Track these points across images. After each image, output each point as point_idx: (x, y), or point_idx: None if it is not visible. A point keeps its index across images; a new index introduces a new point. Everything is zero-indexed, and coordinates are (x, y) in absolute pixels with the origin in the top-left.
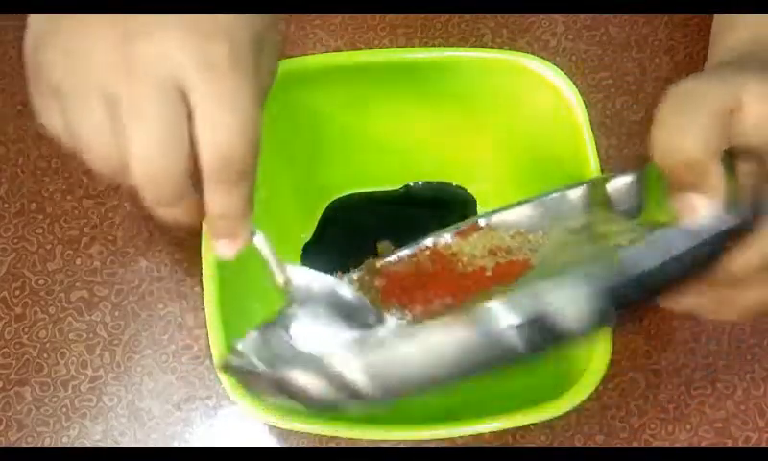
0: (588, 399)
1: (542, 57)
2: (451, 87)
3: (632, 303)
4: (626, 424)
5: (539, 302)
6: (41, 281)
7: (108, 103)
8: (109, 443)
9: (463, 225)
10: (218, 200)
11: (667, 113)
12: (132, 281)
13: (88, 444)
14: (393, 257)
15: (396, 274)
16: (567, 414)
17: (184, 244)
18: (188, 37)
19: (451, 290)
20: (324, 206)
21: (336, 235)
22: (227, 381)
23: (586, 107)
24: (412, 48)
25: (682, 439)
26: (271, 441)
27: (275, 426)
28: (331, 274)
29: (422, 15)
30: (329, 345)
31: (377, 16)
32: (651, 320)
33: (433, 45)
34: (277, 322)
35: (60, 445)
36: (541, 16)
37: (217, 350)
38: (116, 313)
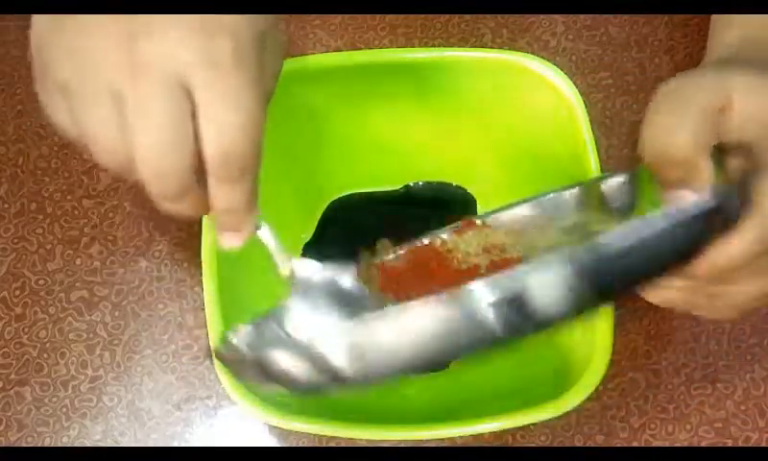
0: (588, 399)
1: (542, 57)
2: (451, 87)
3: (611, 287)
4: (626, 424)
5: (516, 281)
6: (41, 281)
7: (114, 100)
8: (109, 443)
9: (460, 222)
10: (221, 195)
11: (657, 111)
12: (131, 281)
13: (88, 444)
14: (389, 255)
15: (392, 269)
16: (567, 414)
17: (184, 244)
18: (191, 36)
19: (446, 287)
20: (324, 206)
21: (336, 235)
22: (227, 381)
23: (586, 107)
24: (412, 48)
25: (682, 439)
26: (271, 441)
27: (275, 426)
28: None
29: (422, 15)
30: (317, 330)
31: (377, 16)
32: (651, 320)
33: (433, 45)
34: (271, 315)
35: (59, 445)
36: (541, 16)
37: (215, 345)
38: (116, 313)
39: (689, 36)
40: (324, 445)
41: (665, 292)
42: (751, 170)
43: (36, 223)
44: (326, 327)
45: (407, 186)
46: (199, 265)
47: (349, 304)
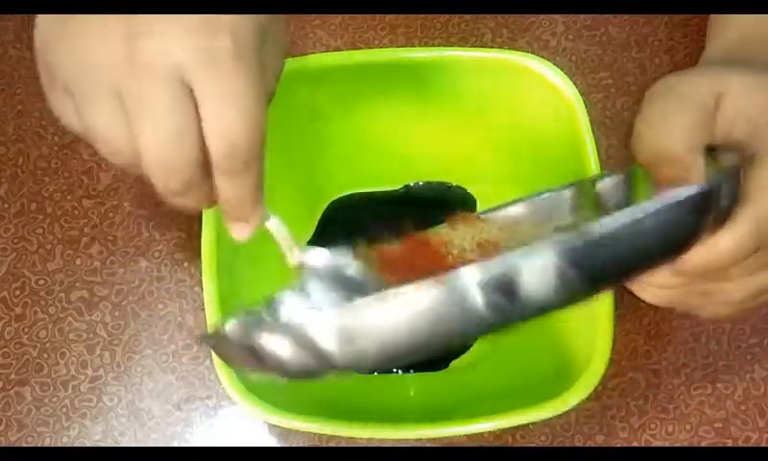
0: (588, 399)
1: (542, 57)
2: (451, 87)
3: (601, 274)
4: (626, 424)
5: (505, 266)
6: (41, 281)
7: (117, 99)
8: (109, 443)
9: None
10: (227, 188)
11: (651, 109)
12: (131, 281)
13: (88, 444)
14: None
15: (389, 254)
16: (567, 414)
17: (184, 244)
18: (190, 33)
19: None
20: (324, 206)
21: (336, 235)
22: (227, 381)
23: (586, 107)
24: (412, 48)
25: (682, 439)
26: (271, 441)
27: (275, 426)
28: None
29: (422, 15)
30: (308, 314)
31: (377, 16)
32: (651, 320)
33: (433, 45)
34: (264, 303)
35: (59, 445)
36: (541, 16)
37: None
38: (116, 313)
39: (689, 36)
40: (324, 445)
41: (660, 291)
42: (742, 164)
43: (36, 223)
44: (317, 310)
45: (407, 186)
46: (199, 265)
47: (355, 291)
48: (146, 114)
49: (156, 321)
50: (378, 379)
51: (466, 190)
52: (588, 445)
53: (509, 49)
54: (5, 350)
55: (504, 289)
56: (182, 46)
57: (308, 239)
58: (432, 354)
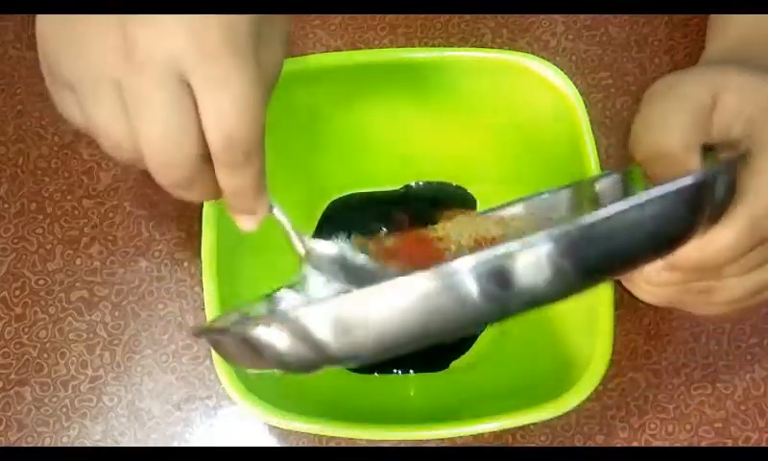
0: (588, 399)
1: (542, 57)
2: (451, 87)
3: (596, 264)
4: (626, 424)
5: (497, 252)
6: (41, 281)
7: (116, 92)
8: (109, 443)
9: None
10: (229, 180)
11: (649, 108)
12: (131, 281)
13: (88, 444)
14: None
15: (388, 252)
16: (567, 414)
17: (184, 244)
18: (183, 24)
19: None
20: (325, 205)
21: (336, 235)
22: (227, 381)
23: (586, 107)
24: (412, 48)
25: (682, 439)
26: (271, 441)
27: (275, 426)
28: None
29: (422, 15)
30: (304, 305)
31: (377, 16)
32: (651, 320)
33: (433, 45)
34: (263, 298)
35: (60, 445)
36: (541, 16)
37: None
38: (116, 313)
39: (689, 36)
40: (324, 445)
41: (658, 290)
42: (737, 159)
43: (36, 223)
44: (313, 301)
45: (407, 186)
46: (199, 265)
47: (359, 278)
48: (145, 109)
49: (156, 321)
50: (378, 380)
51: (466, 190)
52: (587, 445)
53: (509, 49)
54: (5, 350)
55: (498, 278)
56: (178, 40)
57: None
58: (430, 345)
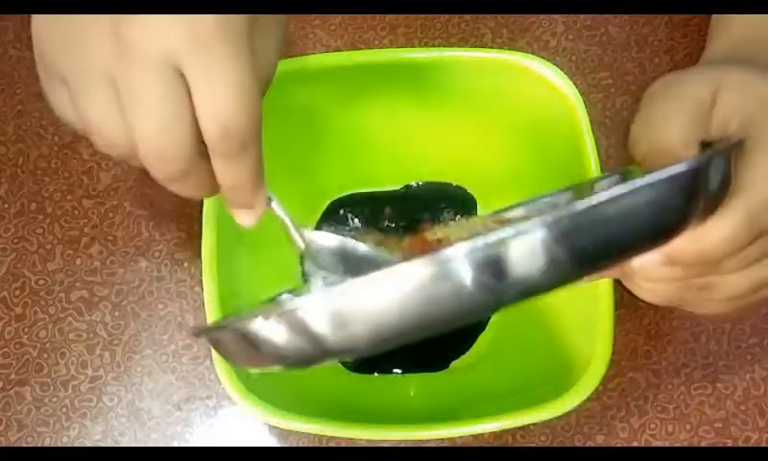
0: (588, 399)
1: (542, 57)
2: (451, 87)
3: (590, 251)
4: (626, 424)
5: (490, 239)
6: (41, 281)
7: (110, 86)
8: (109, 443)
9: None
10: (226, 172)
11: (648, 106)
12: (131, 281)
13: (88, 444)
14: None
15: (387, 246)
16: (567, 414)
17: (184, 244)
18: (177, 18)
19: None
20: (324, 206)
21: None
22: (227, 381)
23: (586, 107)
24: (412, 48)
25: (682, 439)
26: (271, 441)
27: (275, 426)
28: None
29: (422, 15)
30: (301, 297)
31: (377, 16)
32: (651, 320)
33: (433, 45)
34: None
35: (60, 445)
36: (541, 16)
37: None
38: (116, 313)
39: (689, 36)
40: (324, 445)
41: (657, 287)
42: (730, 148)
43: (36, 223)
44: (309, 294)
45: (407, 186)
46: (199, 265)
47: (361, 271)
48: (138, 102)
49: (156, 321)
50: (378, 380)
51: (466, 190)
52: (588, 445)
53: (509, 49)
54: (5, 350)
55: (492, 266)
56: (168, 26)
57: None
58: (429, 336)
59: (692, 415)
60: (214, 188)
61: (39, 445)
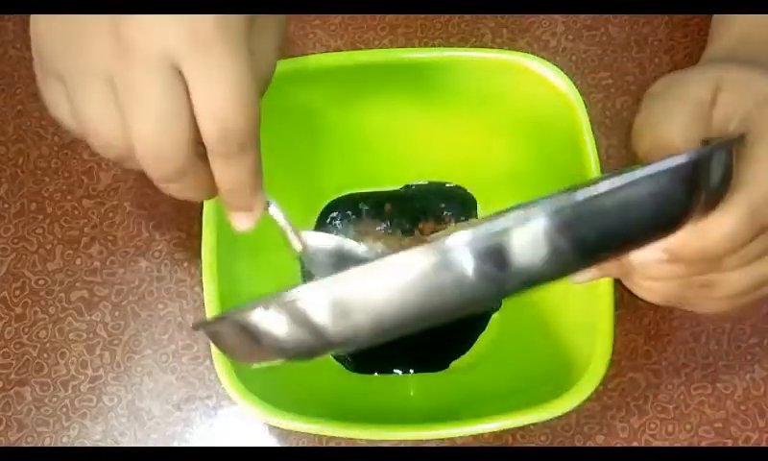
0: (588, 399)
1: (542, 57)
2: (451, 87)
3: (591, 240)
4: (626, 425)
5: (492, 226)
6: (41, 281)
7: (108, 85)
8: (109, 443)
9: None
10: (224, 173)
11: (649, 106)
12: (131, 281)
13: (88, 444)
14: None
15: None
16: (567, 414)
17: (184, 244)
18: (176, 17)
19: None
20: (324, 205)
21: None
22: (227, 381)
23: (586, 107)
24: (412, 48)
25: (682, 439)
26: (271, 441)
27: (275, 426)
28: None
29: (422, 15)
30: (301, 287)
31: (377, 16)
32: (651, 320)
33: (433, 45)
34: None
35: (60, 445)
36: (541, 16)
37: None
38: (116, 313)
39: (689, 36)
40: (324, 445)
41: (657, 286)
42: (731, 143)
43: (36, 223)
44: (309, 284)
45: (407, 186)
46: (199, 265)
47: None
48: (137, 100)
49: (156, 321)
50: (378, 380)
51: (466, 190)
52: (587, 445)
53: (509, 49)
54: (5, 350)
55: (494, 255)
56: (166, 25)
57: None
58: (431, 326)
59: (692, 415)
60: (211, 191)
61: (39, 445)
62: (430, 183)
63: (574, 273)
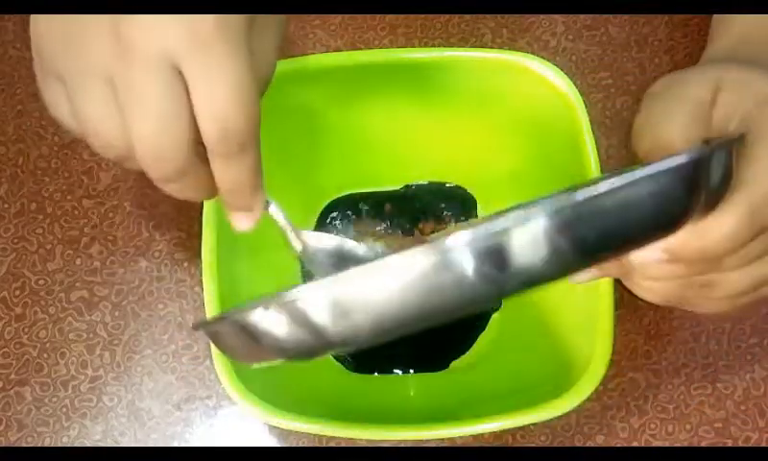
0: (588, 399)
1: (542, 57)
2: (451, 87)
3: (591, 240)
4: (626, 425)
5: (492, 226)
6: (41, 281)
7: (107, 85)
8: (109, 443)
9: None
10: (224, 172)
11: (651, 106)
12: (131, 281)
13: (88, 444)
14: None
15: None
16: (567, 414)
17: (184, 244)
18: (176, 16)
19: None
20: (324, 205)
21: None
22: (227, 381)
23: (586, 107)
24: (412, 48)
25: (682, 439)
26: (271, 441)
27: (275, 426)
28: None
29: (422, 15)
30: (301, 287)
31: (377, 16)
32: (651, 320)
33: (433, 45)
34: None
35: (60, 445)
36: (541, 16)
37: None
38: (116, 313)
39: (689, 36)
40: (324, 445)
41: (658, 286)
42: (732, 142)
43: (36, 223)
44: (309, 283)
45: (407, 186)
46: (199, 265)
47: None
48: (137, 100)
49: (156, 321)
50: (378, 380)
51: (466, 190)
52: (587, 445)
53: (509, 49)
54: (5, 350)
55: (493, 255)
56: (166, 25)
57: None
58: (431, 326)
59: (692, 415)
60: (211, 191)
61: (39, 445)
62: (430, 183)
63: (574, 273)
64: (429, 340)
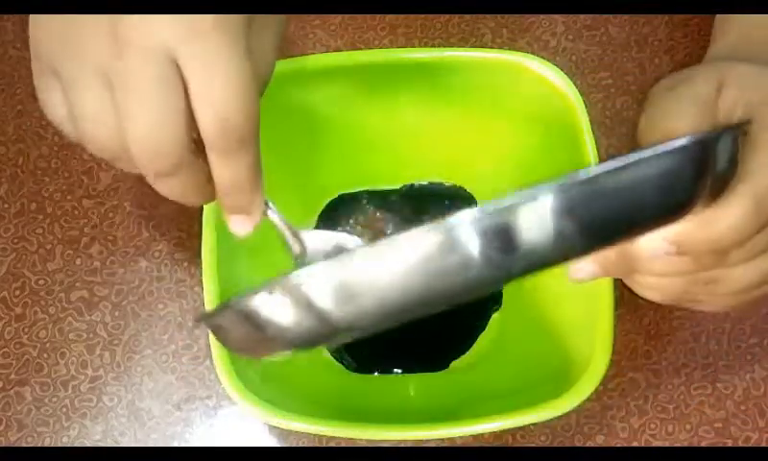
0: (588, 399)
1: (542, 57)
2: (451, 87)
3: (597, 223)
4: (626, 425)
5: (498, 206)
6: (41, 281)
7: (104, 82)
8: (109, 443)
9: None
10: (223, 170)
11: (654, 103)
12: (131, 281)
13: (88, 444)
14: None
15: None
16: (567, 414)
17: (184, 244)
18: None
19: None
20: (323, 205)
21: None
22: (227, 381)
23: (586, 107)
24: (412, 48)
25: (682, 439)
26: (271, 441)
27: (275, 426)
28: None
29: (422, 15)
30: (304, 271)
31: (377, 16)
32: (651, 320)
33: (433, 45)
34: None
35: (60, 445)
36: (541, 16)
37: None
38: (116, 313)
39: (689, 36)
40: (324, 445)
41: (662, 283)
42: (737, 129)
43: (36, 223)
44: (312, 266)
45: (407, 186)
46: (199, 265)
47: None
48: (133, 94)
49: (156, 321)
50: (378, 380)
51: (465, 190)
52: (587, 445)
53: (509, 49)
54: (5, 350)
55: (499, 234)
56: (167, 24)
57: None
58: (438, 310)
59: (692, 415)
60: (210, 192)
61: (39, 445)
62: (430, 183)
63: (581, 255)
64: (429, 340)
